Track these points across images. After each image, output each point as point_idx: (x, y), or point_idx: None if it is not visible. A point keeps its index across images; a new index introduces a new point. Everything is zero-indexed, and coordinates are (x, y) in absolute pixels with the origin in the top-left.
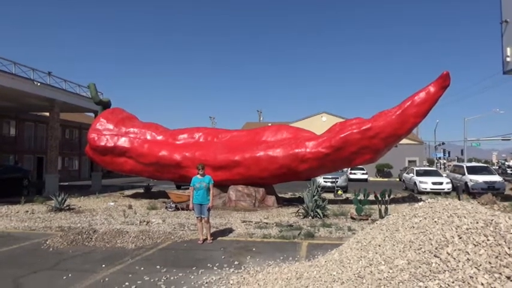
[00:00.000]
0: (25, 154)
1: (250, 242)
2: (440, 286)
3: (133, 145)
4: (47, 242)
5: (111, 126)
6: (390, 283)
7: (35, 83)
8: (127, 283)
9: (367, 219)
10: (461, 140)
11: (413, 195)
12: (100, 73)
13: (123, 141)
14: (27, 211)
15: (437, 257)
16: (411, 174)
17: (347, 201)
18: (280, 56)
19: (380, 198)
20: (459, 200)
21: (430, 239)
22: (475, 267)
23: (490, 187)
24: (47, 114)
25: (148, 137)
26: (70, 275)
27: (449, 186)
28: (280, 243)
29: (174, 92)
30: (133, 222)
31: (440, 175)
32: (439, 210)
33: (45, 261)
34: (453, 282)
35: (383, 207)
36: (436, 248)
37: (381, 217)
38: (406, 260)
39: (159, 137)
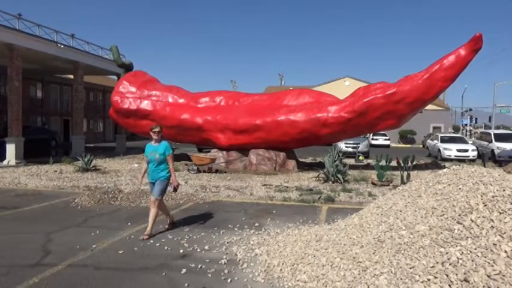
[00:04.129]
0: (52, 116)
1: (271, 204)
2: (462, 252)
3: (156, 108)
4: (76, 201)
5: (133, 89)
6: (410, 248)
7: (59, 45)
8: (151, 241)
9: (388, 185)
10: (489, 107)
11: (436, 162)
12: (120, 34)
13: (145, 104)
14: (55, 171)
15: (460, 224)
16: (435, 141)
17: (368, 167)
18: (303, 18)
19: (402, 165)
20: (484, 167)
21: (453, 205)
22: (499, 235)
23: None
24: (72, 77)
25: (170, 100)
26: (98, 231)
27: (475, 153)
28: (300, 206)
29: (195, 55)
30: None
31: (465, 142)
32: (464, 177)
33: (74, 218)
34: (475, 249)
35: (405, 173)
36: (459, 215)
37: (403, 183)
38: (427, 226)
39: (181, 100)
